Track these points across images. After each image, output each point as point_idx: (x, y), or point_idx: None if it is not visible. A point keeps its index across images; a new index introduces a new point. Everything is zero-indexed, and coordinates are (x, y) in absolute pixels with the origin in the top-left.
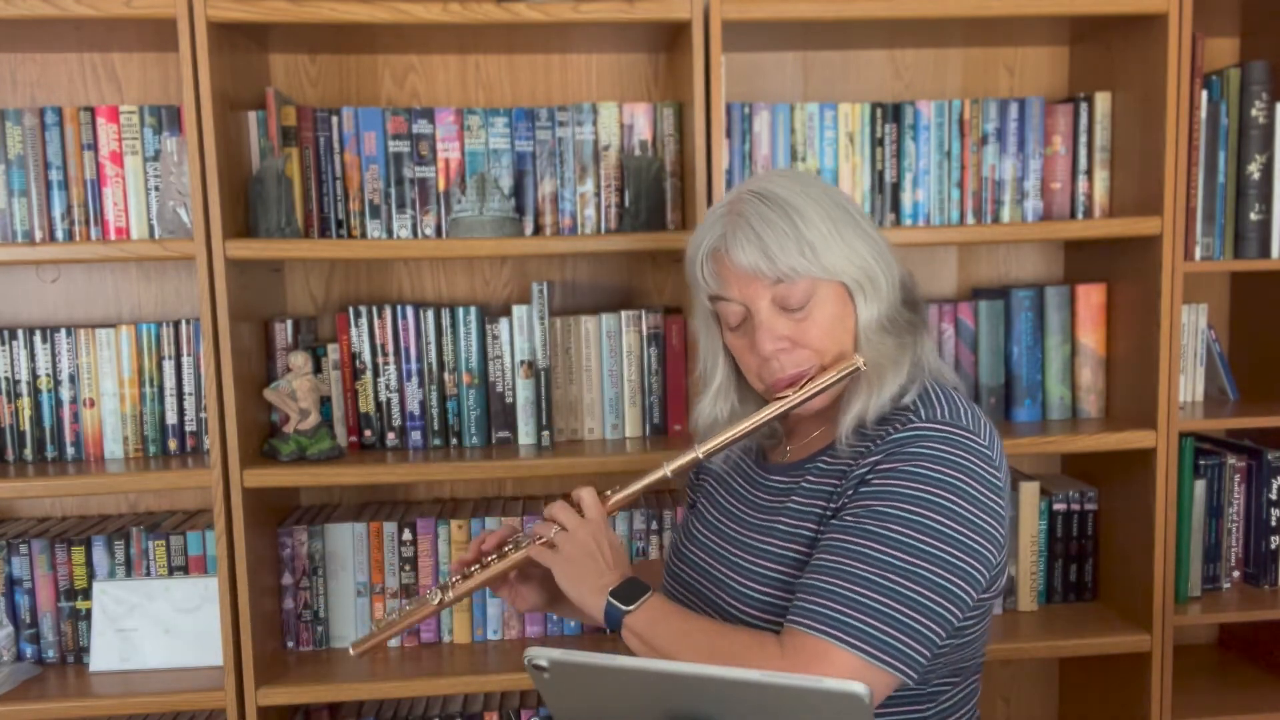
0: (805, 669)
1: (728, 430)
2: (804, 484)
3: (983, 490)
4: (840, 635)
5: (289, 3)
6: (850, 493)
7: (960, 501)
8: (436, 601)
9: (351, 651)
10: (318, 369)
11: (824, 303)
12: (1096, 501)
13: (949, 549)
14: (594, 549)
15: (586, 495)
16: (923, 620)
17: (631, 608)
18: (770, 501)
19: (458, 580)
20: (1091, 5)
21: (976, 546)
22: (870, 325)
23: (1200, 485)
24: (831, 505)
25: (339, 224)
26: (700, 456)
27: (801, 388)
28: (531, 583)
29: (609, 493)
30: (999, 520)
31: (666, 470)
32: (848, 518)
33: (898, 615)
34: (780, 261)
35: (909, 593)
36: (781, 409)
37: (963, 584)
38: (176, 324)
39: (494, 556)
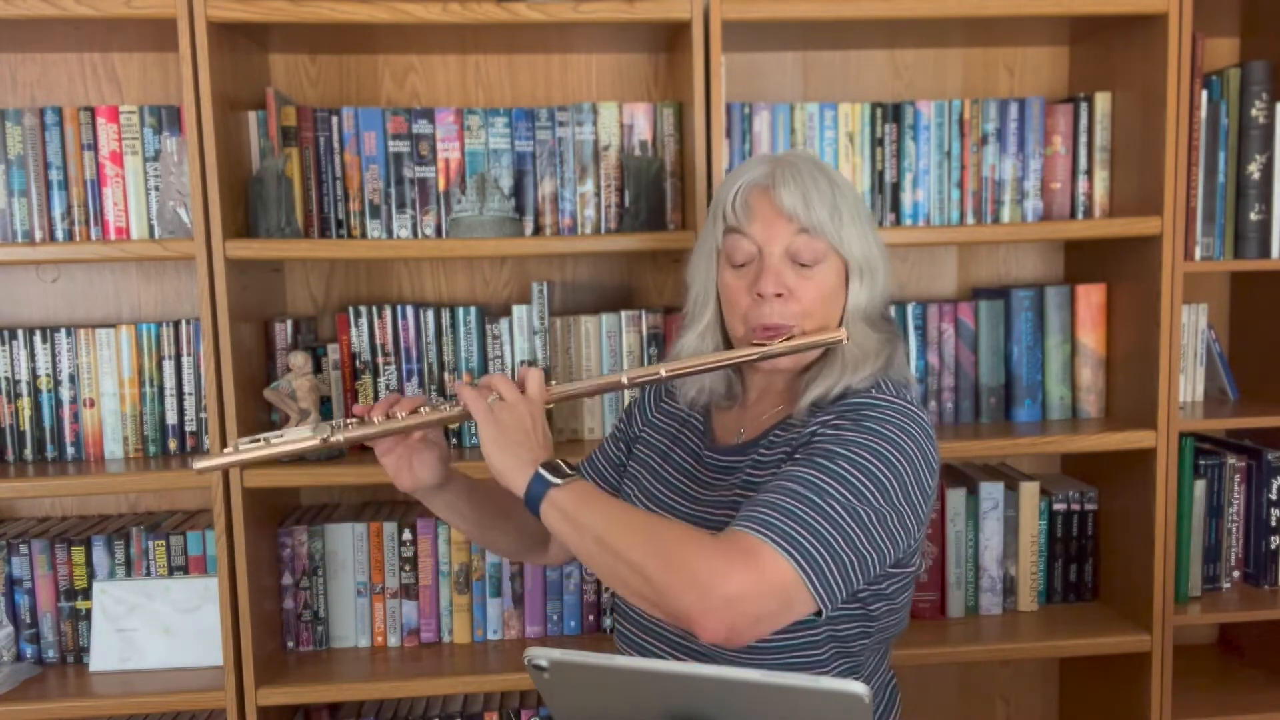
0: (737, 562)
1: (698, 358)
2: (756, 457)
3: (922, 465)
4: (778, 540)
5: (289, 3)
6: (804, 444)
7: (904, 463)
8: (322, 439)
9: (194, 467)
10: (318, 369)
11: (828, 271)
12: (1096, 501)
13: (882, 497)
14: (528, 424)
15: (531, 374)
16: (851, 556)
17: (559, 481)
18: (722, 479)
19: (354, 423)
20: (1091, 5)
21: (905, 511)
22: (857, 310)
23: (1200, 485)
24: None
25: (339, 224)
26: (664, 375)
27: (787, 340)
28: (430, 456)
29: (554, 382)
30: (927, 500)
31: (623, 378)
32: (799, 456)
33: (832, 541)
34: (816, 213)
35: (845, 525)
36: (757, 355)
37: (889, 538)
38: (176, 324)
39: (403, 414)
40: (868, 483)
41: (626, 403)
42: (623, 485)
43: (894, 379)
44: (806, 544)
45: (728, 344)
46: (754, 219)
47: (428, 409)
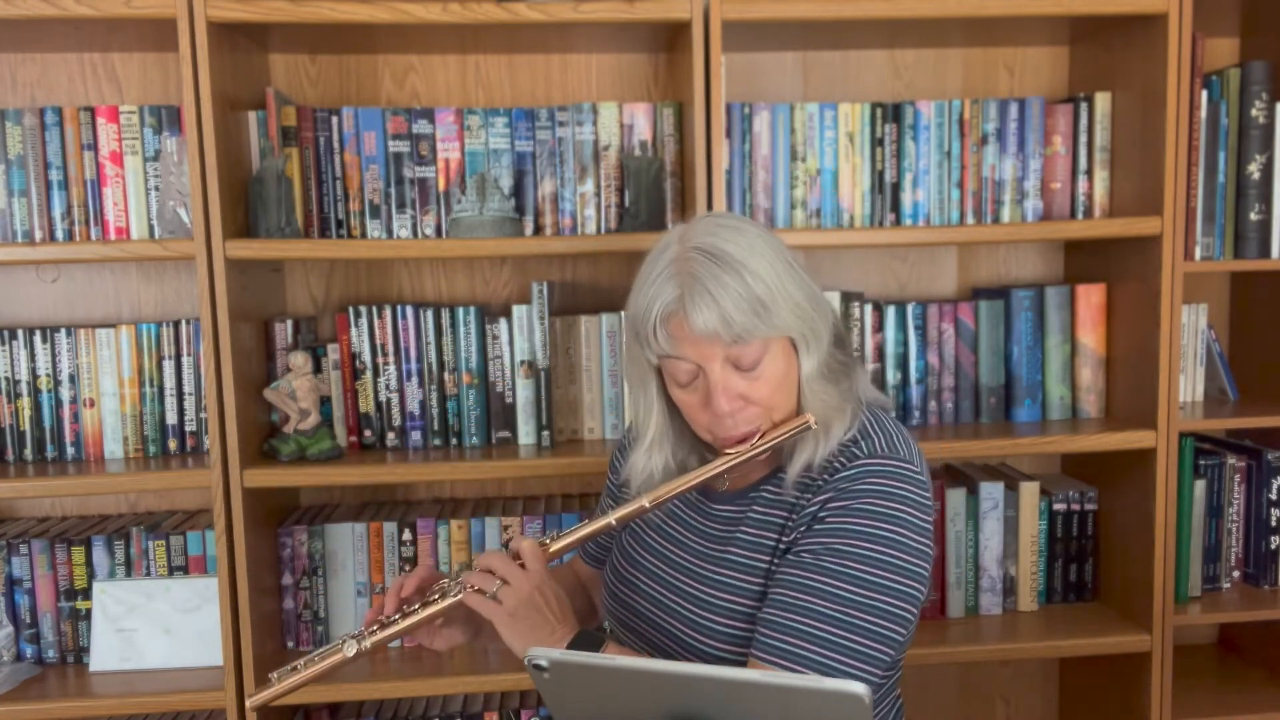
0: None
1: (676, 481)
2: (752, 513)
3: (920, 516)
4: (809, 673)
5: (289, 3)
6: (804, 528)
7: (905, 532)
8: (353, 653)
9: (247, 704)
10: (318, 369)
11: (775, 359)
12: (1096, 501)
13: (897, 578)
14: (539, 602)
15: (526, 546)
16: (878, 646)
17: None
18: (719, 530)
19: (375, 629)
20: (1091, 5)
21: (917, 569)
22: (812, 376)
23: (1200, 485)
24: (785, 539)
25: (339, 224)
26: (648, 506)
27: (759, 439)
28: (453, 625)
29: (548, 541)
30: (930, 539)
31: (612, 519)
32: (805, 555)
33: (857, 646)
34: (737, 325)
35: (866, 624)
36: (732, 463)
37: (909, 606)
38: (176, 324)
39: (416, 604)
40: (879, 571)
41: (620, 438)
42: (632, 530)
43: (871, 413)
44: (834, 663)
45: (692, 447)
46: (681, 344)
47: (437, 594)
